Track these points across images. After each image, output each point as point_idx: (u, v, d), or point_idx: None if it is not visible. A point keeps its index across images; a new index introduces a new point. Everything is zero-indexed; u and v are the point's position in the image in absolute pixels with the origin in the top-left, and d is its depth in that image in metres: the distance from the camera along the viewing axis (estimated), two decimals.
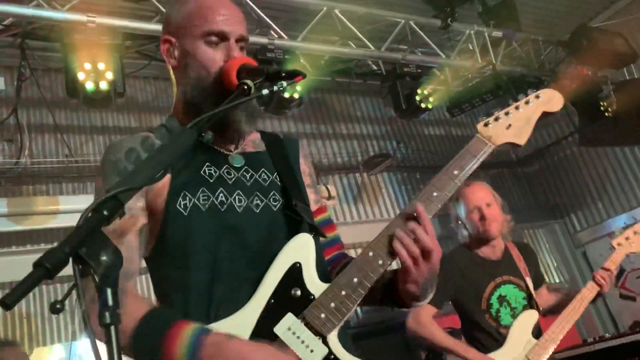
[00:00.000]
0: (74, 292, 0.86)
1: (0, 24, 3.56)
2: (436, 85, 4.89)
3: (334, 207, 5.95)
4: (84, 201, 4.55)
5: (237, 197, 1.31)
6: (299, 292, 1.23)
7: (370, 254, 1.24)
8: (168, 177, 1.27)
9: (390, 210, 6.40)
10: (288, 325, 1.19)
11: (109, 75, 3.29)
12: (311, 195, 1.50)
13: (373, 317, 4.68)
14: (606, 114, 5.64)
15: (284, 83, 1.24)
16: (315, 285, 1.24)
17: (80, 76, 3.25)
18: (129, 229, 1.24)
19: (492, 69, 5.10)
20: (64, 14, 3.33)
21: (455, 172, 1.31)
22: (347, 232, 5.93)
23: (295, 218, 1.34)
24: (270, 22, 4.16)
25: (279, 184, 1.39)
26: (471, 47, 5.20)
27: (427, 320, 2.69)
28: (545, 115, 1.42)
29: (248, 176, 1.36)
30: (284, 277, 1.24)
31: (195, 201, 1.27)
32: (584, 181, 7.17)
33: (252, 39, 4.00)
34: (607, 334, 4.91)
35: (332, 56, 4.68)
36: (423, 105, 4.73)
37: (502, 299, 2.77)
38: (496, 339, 2.71)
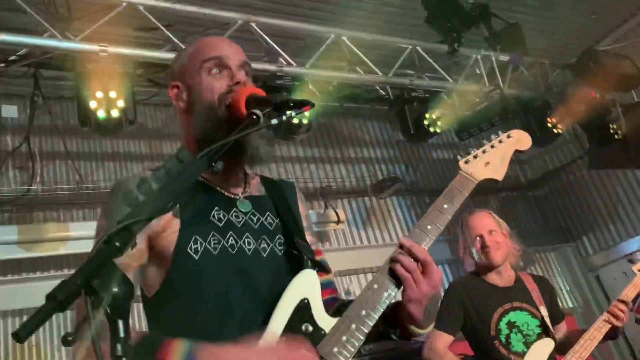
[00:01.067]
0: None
1: (15, 54, 3.64)
2: (444, 110, 4.90)
3: (342, 231, 5.94)
4: (94, 227, 4.56)
5: (246, 239, 1.32)
6: (310, 328, 1.23)
7: (375, 286, 1.25)
8: (177, 221, 1.28)
9: (400, 233, 6.36)
10: None
11: (120, 104, 3.34)
12: (310, 238, 1.51)
13: (386, 344, 4.61)
14: (615, 136, 5.63)
15: (293, 112, 1.26)
16: (324, 320, 1.25)
17: (92, 104, 3.30)
18: (127, 270, 1.22)
19: (499, 93, 5.12)
20: (77, 44, 3.40)
21: (445, 206, 1.40)
22: (356, 256, 5.90)
23: (299, 258, 1.35)
24: (279, 50, 4.22)
25: (282, 227, 1.41)
26: (478, 72, 5.23)
27: (442, 349, 2.69)
28: (518, 152, 1.58)
29: (255, 219, 1.37)
30: (293, 313, 1.24)
31: (207, 245, 1.27)
32: (595, 204, 7.11)
33: (261, 66, 4.06)
34: None
35: (341, 82, 4.73)
36: (431, 130, 4.75)
37: (511, 325, 2.74)
38: None
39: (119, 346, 0.87)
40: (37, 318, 0.81)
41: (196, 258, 1.25)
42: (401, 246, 1.29)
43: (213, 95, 1.35)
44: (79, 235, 4.45)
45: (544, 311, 2.80)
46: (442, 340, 2.71)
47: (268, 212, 1.41)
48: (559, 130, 5.31)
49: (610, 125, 5.66)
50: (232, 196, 1.39)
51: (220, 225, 1.31)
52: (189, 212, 1.29)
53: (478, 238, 2.88)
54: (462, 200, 1.40)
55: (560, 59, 6.02)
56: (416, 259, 1.25)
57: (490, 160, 1.51)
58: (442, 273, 1.30)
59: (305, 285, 1.29)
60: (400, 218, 6.49)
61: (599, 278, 7.02)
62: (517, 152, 1.57)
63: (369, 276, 5.82)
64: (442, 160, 7.18)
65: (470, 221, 2.96)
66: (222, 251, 1.28)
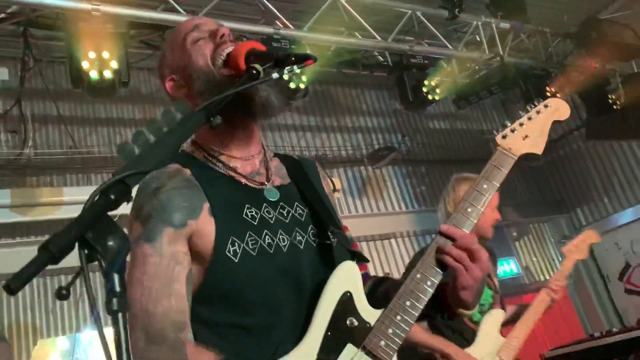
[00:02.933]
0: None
1: (3, 12, 3.53)
2: (443, 77, 4.84)
3: (338, 199, 5.93)
4: (88, 192, 4.46)
5: (280, 236, 1.28)
6: (355, 322, 1.21)
7: (418, 275, 1.24)
8: (212, 221, 1.24)
9: (395, 203, 6.38)
10: (351, 357, 1.18)
11: (114, 64, 3.26)
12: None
13: None
14: (614, 107, 5.60)
15: (295, 67, 1.21)
16: (368, 312, 1.23)
17: (85, 65, 3.21)
18: (177, 277, 1.19)
19: (499, 60, 5.05)
20: (68, 2, 3.28)
21: (485, 185, 1.36)
22: (352, 225, 5.87)
23: (335, 248, 1.32)
24: (276, 12, 4.12)
25: (313, 216, 1.37)
26: (478, 39, 5.16)
27: None
28: (556, 122, 1.49)
29: (285, 213, 1.33)
30: (336, 307, 1.22)
31: (245, 246, 1.23)
32: (590, 176, 7.13)
33: (258, 28, 3.97)
34: (614, 329, 4.88)
35: (339, 47, 4.64)
36: (430, 97, 4.70)
37: None
38: (464, 333, 2.69)
39: (115, 300, 0.84)
40: (29, 270, 0.78)
41: (236, 261, 1.21)
42: (442, 233, 1.27)
43: (205, 58, 1.31)
44: (72, 200, 4.41)
45: (496, 281, 2.87)
46: None
47: (296, 203, 1.36)
48: None
49: (609, 96, 5.63)
50: (259, 187, 1.34)
51: (255, 223, 1.27)
52: (221, 211, 1.25)
53: (496, 210, 2.85)
54: (502, 178, 1.36)
55: (562, 27, 5.93)
56: (462, 247, 1.23)
57: (529, 133, 1.44)
58: (487, 254, 1.27)
59: (346, 278, 1.26)
60: (396, 188, 6.49)
61: (591, 249, 7.07)
62: (555, 122, 1.49)
63: (364, 245, 5.84)
64: (439, 130, 7.14)
65: (459, 182, 2.91)
66: (260, 251, 1.24)
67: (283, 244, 1.27)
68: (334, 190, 5.66)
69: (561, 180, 7.44)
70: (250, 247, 1.23)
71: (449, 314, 1.31)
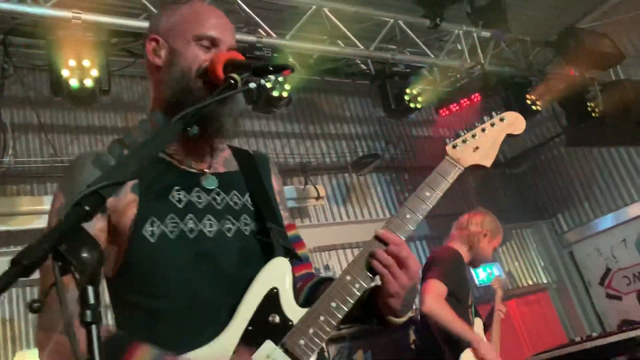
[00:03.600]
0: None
1: None
2: (425, 85, 4.89)
3: (322, 207, 5.94)
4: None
5: (207, 222, 1.28)
6: (277, 319, 1.21)
7: (348, 277, 1.22)
8: (135, 198, 1.24)
9: (379, 210, 6.40)
10: (267, 353, 1.16)
11: (94, 73, 3.24)
12: (283, 213, 1.49)
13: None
14: (593, 114, 5.69)
15: (272, 77, 1.22)
16: (293, 310, 1.23)
17: (65, 73, 3.19)
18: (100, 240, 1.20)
19: (480, 69, 5.12)
20: (49, 9, 3.27)
21: (427, 193, 1.32)
22: (335, 233, 5.92)
23: (269, 242, 1.31)
24: (259, 20, 4.13)
25: (251, 206, 1.37)
26: (460, 47, 5.21)
27: (445, 303, 2.99)
28: (509, 136, 1.46)
29: (219, 199, 1.33)
30: (261, 303, 1.21)
31: (163, 228, 1.23)
32: (571, 182, 7.22)
33: (241, 37, 3.98)
34: (595, 333, 4.94)
35: (321, 55, 4.67)
36: (412, 105, 4.73)
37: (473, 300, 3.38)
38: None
39: (88, 312, 0.84)
40: (2, 282, 0.77)
41: (152, 241, 1.21)
42: (376, 237, 1.25)
43: (194, 64, 1.31)
44: None
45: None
46: (443, 291, 3.00)
47: (234, 191, 1.36)
48: (538, 107, 5.35)
49: (588, 104, 5.72)
50: (196, 172, 1.34)
51: (180, 206, 1.27)
52: (147, 191, 1.25)
53: (494, 251, 3.50)
54: (446, 188, 1.33)
55: (541, 36, 6.03)
56: (392, 253, 1.21)
57: (480, 145, 1.40)
58: (419, 264, 1.25)
59: (276, 274, 1.26)
60: (380, 195, 6.51)
61: (572, 254, 7.17)
62: (508, 136, 1.46)
63: (348, 252, 5.85)
64: (422, 137, 7.19)
65: (500, 237, 3.50)
66: (180, 235, 1.24)
67: (209, 229, 1.27)
68: (318, 198, 5.68)
69: (542, 186, 7.52)
70: (169, 229, 1.23)
71: (380, 320, 1.29)
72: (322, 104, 6.60)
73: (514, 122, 1.46)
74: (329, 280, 1.38)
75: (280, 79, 1.26)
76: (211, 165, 1.38)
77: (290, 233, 1.48)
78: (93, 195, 0.93)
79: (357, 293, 1.20)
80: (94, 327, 0.84)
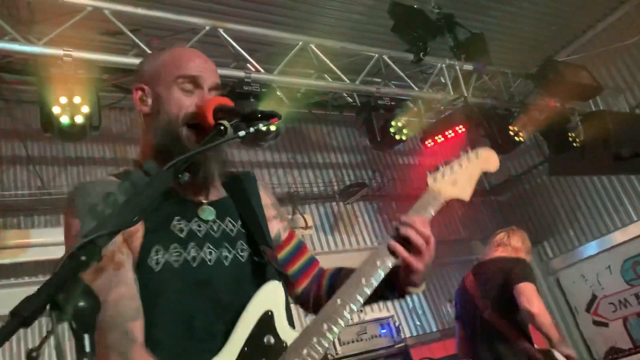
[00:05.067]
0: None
1: None
2: (410, 117, 4.99)
3: (310, 236, 5.96)
4: (57, 234, 4.43)
5: (207, 249, 1.32)
6: (272, 340, 1.25)
7: (339, 301, 1.27)
8: (141, 231, 1.27)
9: (367, 238, 6.44)
10: None
11: (85, 109, 3.28)
12: (278, 224, 1.54)
13: (354, 347, 4.69)
14: (574, 144, 5.81)
15: (260, 124, 1.27)
16: (286, 332, 1.27)
17: (56, 110, 3.22)
18: (123, 264, 1.23)
19: (463, 101, 5.24)
20: (40, 48, 3.32)
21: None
22: (323, 261, 5.85)
23: (263, 266, 1.36)
24: (247, 56, 4.22)
25: (244, 231, 1.41)
26: (443, 80, 5.34)
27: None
28: (484, 173, 1.56)
29: (215, 227, 1.37)
30: (256, 325, 1.25)
31: (167, 257, 1.27)
32: (555, 209, 7.33)
33: (229, 72, 4.06)
34: None
35: (309, 89, 4.76)
36: (397, 137, 4.82)
37: None
38: None
39: None
40: (2, 334, 0.81)
41: (156, 270, 1.25)
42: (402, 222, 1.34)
43: (179, 111, 1.35)
44: (40, 242, 4.34)
45: None
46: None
47: (228, 218, 1.40)
48: (521, 138, 5.46)
49: (569, 134, 5.85)
50: (195, 202, 1.38)
51: (182, 236, 1.31)
52: (151, 223, 1.29)
53: None
54: (430, 218, 1.39)
55: (522, 68, 6.20)
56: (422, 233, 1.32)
57: (458, 180, 1.48)
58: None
59: (270, 297, 1.30)
60: (367, 223, 6.56)
61: (558, 281, 7.23)
62: (484, 173, 1.55)
63: (331, 268, 5.86)
64: (409, 166, 7.29)
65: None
66: (183, 264, 1.28)
67: (209, 257, 1.31)
68: (306, 227, 5.71)
69: (527, 213, 7.62)
70: (174, 258, 1.27)
71: (399, 292, 1.39)
72: (310, 133, 6.68)
73: (487, 159, 1.55)
74: (345, 269, 1.49)
75: (270, 127, 1.31)
76: (207, 196, 1.41)
77: (292, 243, 1.55)
78: (89, 245, 0.97)
79: (347, 317, 1.26)
80: None
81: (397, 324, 5.10)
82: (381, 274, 1.30)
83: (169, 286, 1.25)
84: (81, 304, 0.91)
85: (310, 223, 5.73)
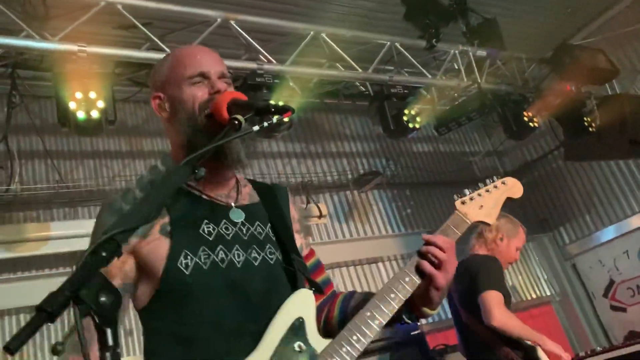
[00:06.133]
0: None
1: None
2: (423, 105, 4.97)
3: (325, 225, 5.99)
4: (75, 227, 4.54)
5: (236, 252, 1.35)
6: (303, 347, 1.27)
7: (368, 314, 1.31)
8: (168, 235, 1.31)
9: (382, 227, 6.44)
10: None
11: (100, 104, 3.32)
12: (302, 240, 1.57)
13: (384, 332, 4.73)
14: (590, 129, 5.74)
15: (274, 119, 1.29)
16: (317, 340, 1.30)
17: (72, 105, 3.27)
18: (115, 274, 1.28)
19: (477, 87, 5.19)
20: (55, 44, 3.36)
21: None
22: (338, 250, 5.96)
23: (293, 271, 1.39)
24: (259, 47, 4.22)
25: (273, 236, 1.44)
26: (456, 67, 5.30)
27: (509, 312, 3.11)
28: (509, 199, 1.67)
29: (244, 229, 1.40)
30: (287, 331, 1.28)
31: (197, 260, 1.30)
32: (571, 194, 7.26)
33: (241, 64, 4.07)
34: (599, 347, 4.95)
35: (321, 78, 4.75)
36: (411, 125, 4.80)
37: None
38: None
39: (108, 355, 0.90)
40: (27, 330, 0.84)
41: (187, 273, 1.28)
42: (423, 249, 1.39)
43: (194, 104, 1.39)
44: (59, 235, 4.42)
45: None
46: (501, 300, 3.11)
47: (258, 222, 1.43)
48: (535, 124, 5.41)
49: (585, 118, 5.78)
50: (225, 205, 1.41)
51: (210, 238, 1.34)
52: (178, 223, 1.32)
53: (518, 252, 3.56)
54: (455, 239, 1.47)
55: (536, 53, 6.12)
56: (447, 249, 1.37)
57: (484, 204, 1.59)
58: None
59: (301, 305, 1.33)
60: (382, 211, 6.55)
61: (575, 266, 7.19)
62: (508, 199, 1.66)
63: (352, 269, 5.89)
64: (423, 154, 7.26)
65: (521, 234, 3.59)
66: (212, 266, 1.31)
67: (237, 259, 1.34)
68: (320, 216, 5.73)
69: (543, 199, 7.56)
70: (202, 261, 1.30)
71: (416, 313, 1.42)
72: (323, 122, 6.68)
73: (513, 187, 1.68)
74: (357, 293, 1.50)
75: (283, 119, 1.33)
76: (237, 199, 1.45)
77: (312, 260, 1.58)
78: (109, 242, 1.00)
79: (377, 329, 1.30)
80: None
81: None
82: (409, 290, 1.35)
83: (199, 287, 1.29)
84: (103, 299, 0.94)
85: (324, 212, 5.74)
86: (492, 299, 3.06)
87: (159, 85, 1.48)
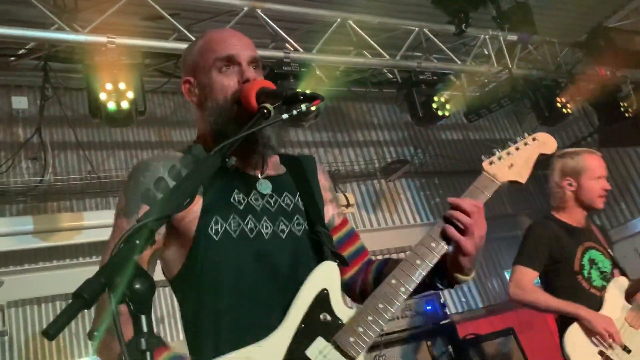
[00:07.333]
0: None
1: (23, 48, 3.66)
2: (452, 91, 4.89)
3: (352, 214, 5.97)
4: (108, 216, 4.59)
5: (264, 223, 1.36)
6: (328, 317, 1.28)
7: (394, 281, 1.30)
8: (200, 203, 1.31)
9: (410, 216, 6.40)
10: (319, 349, 1.24)
11: (130, 95, 3.36)
12: (334, 210, 1.56)
13: (399, 324, 4.70)
14: (626, 114, 5.58)
15: (303, 107, 1.28)
16: (342, 310, 1.30)
17: (102, 97, 3.32)
18: (143, 258, 1.27)
19: (508, 73, 5.08)
20: (85, 36, 3.41)
21: None
22: (366, 240, 5.83)
23: (319, 244, 1.39)
24: (285, 36, 4.21)
25: (302, 207, 1.44)
26: (486, 52, 5.19)
27: (529, 286, 2.79)
28: (542, 155, 1.55)
29: (272, 201, 1.40)
30: (312, 303, 1.28)
31: (227, 227, 1.31)
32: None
33: (268, 53, 4.06)
34: None
35: (348, 66, 4.71)
36: (440, 113, 4.73)
37: (592, 262, 2.85)
38: (589, 300, 2.73)
39: (142, 340, 0.90)
40: (65, 316, 0.84)
41: (216, 239, 1.29)
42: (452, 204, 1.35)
43: (224, 93, 1.38)
44: (92, 224, 4.51)
45: (611, 252, 2.94)
46: (529, 277, 2.80)
47: (286, 193, 1.44)
48: (569, 110, 5.27)
49: (621, 103, 5.61)
50: (252, 176, 1.42)
51: (241, 208, 1.35)
52: (210, 194, 1.33)
53: (602, 180, 2.97)
54: (483, 201, 1.41)
55: (570, 36, 5.95)
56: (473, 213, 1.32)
57: (515, 163, 1.50)
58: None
59: (326, 277, 1.33)
60: (410, 200, 6.50)
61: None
62: (541, 155, 1.56)
63: (380, 258, 5.87)
64: (451, 142, 7.16)
65: (592, 160, 3.04)
66: (241, 234, 1.32)
67: (265, 230, 1.35)
68: (348, 205, 5.72)
69: None
70: (232, 228, 1.31)
71: (448, 280, 1.38)
72: (350, 111, 6.64)
73: (545, 142, 1.57)
74: (392, 260, 1.49)
75: (312, 107, 1.32)
76: (263, 171, 1.45)
77: (344, 229, 1.57)
78: (142, 229, 1.00)
79: (403, 296, 1.29)
80: (148, 354, 0.90)
81: (442, 300, 5.07)
82: (436, 256, 1.32)
83: (230, 255, 1.30)
84: (137, 286, 0.94)
85: (352, 201, 5.73)
86: (512, 274, 2.86)
87: (189, 69, 1.47)
